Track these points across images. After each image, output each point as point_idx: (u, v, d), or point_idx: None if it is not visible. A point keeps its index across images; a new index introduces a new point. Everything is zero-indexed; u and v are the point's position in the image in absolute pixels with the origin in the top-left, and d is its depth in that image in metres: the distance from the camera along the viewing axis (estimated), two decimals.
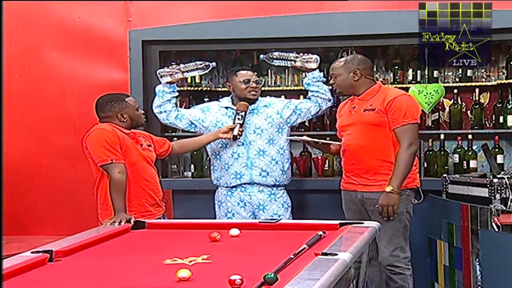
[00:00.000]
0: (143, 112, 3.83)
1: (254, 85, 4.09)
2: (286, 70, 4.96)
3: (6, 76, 5.15)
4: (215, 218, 4.20)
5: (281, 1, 4.93)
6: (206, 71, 4.22)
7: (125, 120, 3.68)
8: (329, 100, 4.19)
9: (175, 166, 4.99)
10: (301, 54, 4.15)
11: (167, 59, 4.86)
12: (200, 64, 4.16)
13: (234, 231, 2.99)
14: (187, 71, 4.15)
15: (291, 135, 4.24)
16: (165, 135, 4.74)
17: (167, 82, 4.13)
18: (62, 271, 2.41)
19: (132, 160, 3.62)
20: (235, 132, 3.99)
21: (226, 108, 4.16)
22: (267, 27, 4.60)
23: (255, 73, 4.18)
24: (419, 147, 3.89)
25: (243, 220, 3.91)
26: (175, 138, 4.68)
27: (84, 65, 5.30)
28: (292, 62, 4.15)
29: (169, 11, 5.13)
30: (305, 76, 4.29)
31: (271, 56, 4.15)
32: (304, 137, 4.11)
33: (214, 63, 4.17)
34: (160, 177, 4.63)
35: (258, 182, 4.10)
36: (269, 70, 5.00)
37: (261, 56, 4.18)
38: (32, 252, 2.51)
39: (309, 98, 4.20)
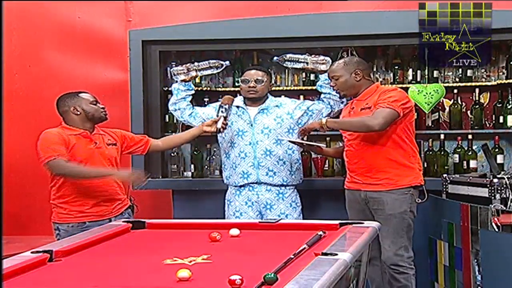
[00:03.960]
0: (102, 106, 3.79)
1: (251, 84, 4.09)
2: (286, 70, 4.95)
3: (6, 76, 5.15)
4: (224, 217, 4.19)
5: (281, 1, 4.94)
6: (220, 70, 4.23)
7: (79, 113, 3.70)
8: (342, 102, 4.19)
9: (175, 166, 4.97)
10: (313, 55, 4.15)
11: (167, 59, 4.86)
12: (214, 63, 4.17)
13: (234, 231, 2.99)
14: (200, 70, 4.16)
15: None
16: (165, 135, 4.74)
17: (181, 80, 4.14)
18: (62, 271, 2.41)
19: (79, 158, 3.62)
20: (219, 125, 3.95)
21: (237, 107, 4.15)
22: (267, 27, 4.60)
23: (263, 72, 4.14)
24: (379, 130, 3.66)
25: (243, 220, 3.91)
26: None
27: (84, 65, 5.29)
28: (304, 64, 4.16)
29: (169, 11, 5.13)
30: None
31: (284, 58, 4.16)
32: (297, 139, 4.08)
33: (227, 62, 4.18)
34: (160, 177, 4.65)
35: (265, 181, 4.10)
36: (269, 70, 4.99)
37: (275, 58, 4.19)
38: (32, 252, 2.51)
39: (322, 100, 4.20)
